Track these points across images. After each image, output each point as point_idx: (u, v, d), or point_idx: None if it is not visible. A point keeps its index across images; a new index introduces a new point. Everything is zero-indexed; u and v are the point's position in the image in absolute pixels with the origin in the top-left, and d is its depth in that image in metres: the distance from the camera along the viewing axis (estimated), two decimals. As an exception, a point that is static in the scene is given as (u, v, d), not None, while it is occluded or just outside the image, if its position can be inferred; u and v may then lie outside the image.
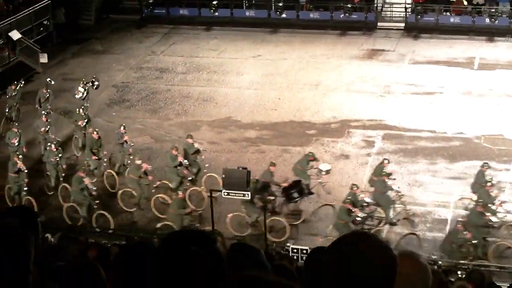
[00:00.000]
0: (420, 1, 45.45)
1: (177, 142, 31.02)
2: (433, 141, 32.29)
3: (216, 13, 47.38)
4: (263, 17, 46.78)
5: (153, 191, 28.35)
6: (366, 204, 25.73)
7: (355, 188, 25.74)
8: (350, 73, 39.24)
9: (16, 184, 28.30)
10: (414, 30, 44.64)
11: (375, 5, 46.31)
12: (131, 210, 28.31)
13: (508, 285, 18.32)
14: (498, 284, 17.88)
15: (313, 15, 46.50)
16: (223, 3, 47.39)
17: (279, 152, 31.93)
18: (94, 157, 30.01)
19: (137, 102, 37.38)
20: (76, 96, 33.56)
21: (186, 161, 28.80)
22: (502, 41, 42.57)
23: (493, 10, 44.17)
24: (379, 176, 26.91)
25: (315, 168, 28.32)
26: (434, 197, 28.08)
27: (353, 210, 25.13)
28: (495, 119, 33.70)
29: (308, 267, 5.99)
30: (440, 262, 24.23)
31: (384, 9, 46.78)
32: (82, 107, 32.48)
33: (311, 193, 28.14)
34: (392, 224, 26.42)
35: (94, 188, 27.69)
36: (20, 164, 28.32)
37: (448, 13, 45.12)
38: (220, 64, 41.27)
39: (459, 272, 21.88)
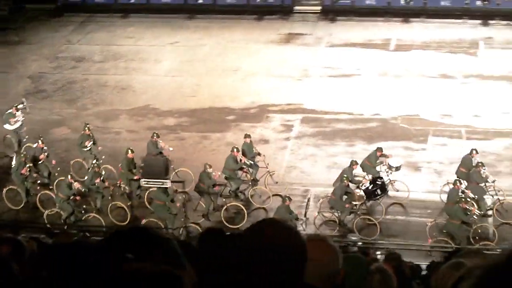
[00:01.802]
0: (336, -16, 45.76)
1: (96, 132, 30.68)
2: (351, 123, 32.61)
3: (132, 0, 46.93)
4: (180, 3, 46.49)
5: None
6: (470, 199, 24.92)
7: (458, 184, 25.20)
8: (268, 58, 39.30)
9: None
10: (330, 13, 44.92)
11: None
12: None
13: (428, 263, 18.69)
14: (417, 263, 18.24)
15: (230, 0, 46.39)
16: (140, -11, 46.94)
17: (199, 139, 31.88)
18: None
19: (54, 93, 36.84)
20: (13, 126, 30.98)
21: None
22: (417, 22, 43.13)
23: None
24: (472, 167, 26.39)
25: (384, 165, 27.56)
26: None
27: (470, 208, 24.39)
28: (412, 100, 34.21)
29: (203, 248, 5.98)
30: (359, 243, 24.61)
31: (300, -8, 46.91)
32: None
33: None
34: (486, 216, 26.01)
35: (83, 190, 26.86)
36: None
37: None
38: (138, 51, 40.92)
39: (378, 253, 22.14)
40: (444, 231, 24.71)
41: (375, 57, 38.71)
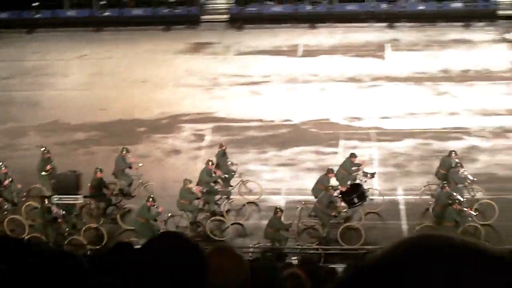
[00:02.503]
0: (243, -8, 45.96)
1: (4, 150, 30.00)
2: (261, 130, 32.69)
3: (38, 15, 46.20)
4: (85, 16, 46.00)
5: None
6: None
7: (447, 187, 24.82)
8: (177, 68, 39.18)
9: None
10: (238, 21, 45.08)
11: (198, -2, 46.47)
12: None
13: (345, 265, 18.81)
14: (333, 266, 18.30)
15: (137, 11, 46.11)
16: (45, 4, 46.24)
17: (110, 152, 31.39)
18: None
19: (-41, 111, 35.94)
20: None
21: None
22: (324, 27, 43.63)
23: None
24: (450, 168, 26.26)
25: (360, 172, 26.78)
26: (265, 185, 28.33)
27: (464, 209, 24.05)
28: (321, 104, 34.52)
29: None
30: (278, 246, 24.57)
31: (207, 1, 46.94)
32: None
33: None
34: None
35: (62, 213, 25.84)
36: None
37: (270, 3, 45.82)
38: (45, 66, 40.28)
39: (293, 258, 22.15)
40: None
41: (283, 64, 38.96)
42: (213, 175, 26.58)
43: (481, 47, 40.09)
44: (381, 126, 32.59)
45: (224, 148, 27.95)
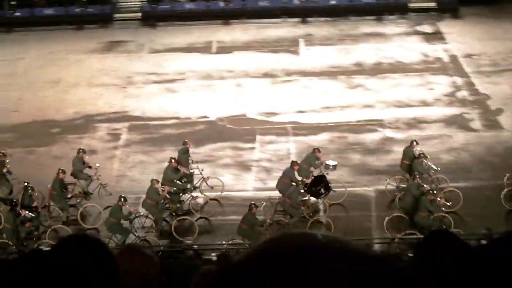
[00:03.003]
0: (156, -10, 45.66)
1: None
2: (178, 128, 32.52)
3: None
4: (-6, 16, 45.10)
5: None
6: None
7: (418, 178, 24.95)
8: (90, 67, 38.70)
9: None
10: (151, 19, 44.79)
11: (110, -4, 45.97)
12: None
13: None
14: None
15: (48, 11, 45.35)
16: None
17: (24, 154, 30.92)
18: None
19: None
20: None
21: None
22: (238, 24, 43.67)
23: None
24: (414, 159, 26.39)
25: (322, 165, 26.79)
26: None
27: (437, 199, 24.26)
28: (237, 100, 34.55)
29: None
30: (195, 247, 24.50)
31: (119, 0, 46.46)
32: None
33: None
34: None
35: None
36: None
37: (184, 0, 45.63)
38: (-47, 69, 39.31)
39: (213, 254, 22.10)
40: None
41: (198, 61, 38.85)
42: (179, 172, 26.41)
43: (394, 40, 40.67)
44: (297, 120, 32.76)
45: (188, 145, 27.72)
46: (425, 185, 24.91)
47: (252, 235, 23.59)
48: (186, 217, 26.06)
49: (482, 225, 23.26)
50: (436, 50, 39.03)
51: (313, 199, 25.89)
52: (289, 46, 40.28)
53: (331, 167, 26.70)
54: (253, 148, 30.72)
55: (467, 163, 29.23)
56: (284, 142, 31.03)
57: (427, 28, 41.86)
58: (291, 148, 30.14)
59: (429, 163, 26.33)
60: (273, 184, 26.78)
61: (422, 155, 26.34)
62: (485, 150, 30.00)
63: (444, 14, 43.53)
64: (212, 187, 27.32)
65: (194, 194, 26.74)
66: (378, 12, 43.77)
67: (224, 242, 24.19)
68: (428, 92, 34.73)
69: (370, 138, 30.99)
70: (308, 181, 25.71)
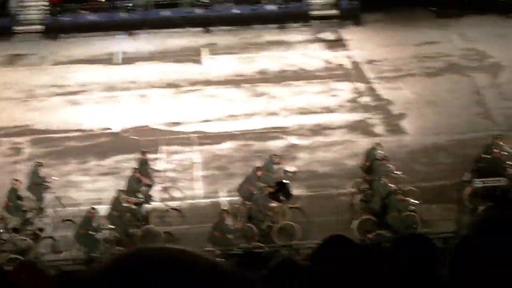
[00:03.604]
0: (57, 2, 44.95)
1: None
2: (81, 140, 32.06)
3: None
4: None
5: None
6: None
7: (385, 179, 25.00)
8: (-10, 81, 37.88)
9: None
10: (53, 31, 44.08)
11: (9, 9, 45.02)
12: None
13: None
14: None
15: None
16: None
17: None
18: None
19: None
20: None
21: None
22: (141, 34, 43.36)
23: (129, 4, 44.89)
24: (375, 161, 26.58)
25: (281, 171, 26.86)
26: (87, 196, 27.84)
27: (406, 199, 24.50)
28: (141, 111, 34.31)
29: None
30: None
31: (19, 12, 45.58)
32: None
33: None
34: None
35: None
36: None
37: (85, 11, 45.09)
38: None
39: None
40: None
41: (101, 72, 38.45)
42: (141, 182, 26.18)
43: (297, 48, 40.99)
44: (202, 129, 32.70)
45: (145, 156, 27.43)
46: (391, 185, 25.19)
47: (224, 243, 23.59)
48: (151, 226, 25.82)
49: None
50: (338, 57, 39.49)
51: (279, 204, 25.89)
52: (193, 55, 40.20)
53: (290, 173, 26.96)
54: (158, 159, 30.48)
55: (371, 168, 29.60)
56: (189, 151, 30.92)
57: (329, 36, 42.34)
58: (197, 157, 30.04)
59: (390, 166, 26.60)
60: (178, 194, 26.97)
61: (384, 157, 26.75)
62: (388, 155, 30.36)
63: (345, 21, 44.09)
64: (171, 197, 27.27)
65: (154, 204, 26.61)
66: (280, 20, 44.06)
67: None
68: (331, 99, 35.11)
69: (275, 145, 31.12)
70: (271, 190, 25.72)
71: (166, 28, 43.38)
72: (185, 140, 31.88)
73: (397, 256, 5.12)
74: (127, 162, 29.59)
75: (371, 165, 26.93)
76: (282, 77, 37.47)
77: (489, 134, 29.55)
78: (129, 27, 43.81)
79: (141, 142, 31.65)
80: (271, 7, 44.87)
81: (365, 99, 35.07)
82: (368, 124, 32.90)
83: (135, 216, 25.57)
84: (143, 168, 26.97)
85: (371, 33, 42.46)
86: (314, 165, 29.86)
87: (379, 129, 32.53)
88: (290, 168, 27.55)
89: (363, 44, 40.84)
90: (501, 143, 27.37)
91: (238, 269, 2.18)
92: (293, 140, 31.72)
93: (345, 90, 35.91)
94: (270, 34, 42.72)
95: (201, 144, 31.58)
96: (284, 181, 26.33)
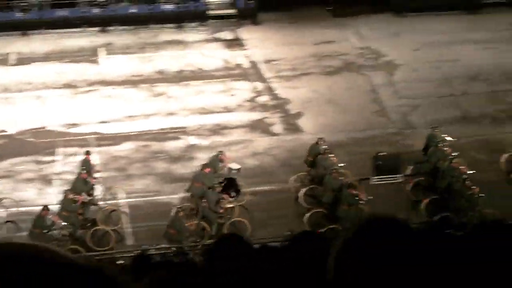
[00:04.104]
0: None
1: None
2: (-24, 143, 31.32)
3: None
4: None
5: None
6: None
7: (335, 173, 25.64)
8: None
9: None
10: None
11: None
12: None
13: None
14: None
15: None
16: None
17: None
18: None
19: None
20: None
21: None
22: (36, 34, 42.41)
23: (24, 4, 43.89)
24: (318, 155, 27.03)
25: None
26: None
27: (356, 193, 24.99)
28: (37, 113, 33.64)
29: None
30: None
31: None
32: None
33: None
34: None
35: None
36: None
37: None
38: None
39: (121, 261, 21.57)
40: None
41: (-6, 74, 37.53)
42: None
43: (194, 47, 40.84)
44: (100, 131, 32.31)
45: (87, 156, 27.18)
46: (341, 178, 26.05)
47: (179, 240, 23.97)
48: (102, 226, 25.76)
49: (286, 227, 23.69)
50: (236, 57, 39.54)
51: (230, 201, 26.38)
52: (90, 55, 39.61)
53: (234, 170, 27.28)
54: (53, 161, 29.97)
55: (270, 166, 29.82)
56: (87, 153, 30.46)
57: (227, 35, 42.32)
58: (95, 159, 29.62)
59: (333, 160, 27.03)
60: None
61: (327, 151, 27.31)
62: (288, 154, 30.69)
63: (243, 20, 44.14)
64: (114, 197, 27.14)
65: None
66: (178, 20, 43.80)
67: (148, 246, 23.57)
68: (230, 98, 35.15)
69: (174, 146, 31.01)
70: (218, 189, 25.99)
71: (63, 28, 42.57)
72: (82, 141, 31.40)
73: (288, 254, 5.13)
74: (24, 165, 29.02)
75: (314, 159, 27.47)
76: (180, 77, 37.31)
77: (385, 131, 30.17)
78: (24, 27, 42.79)
79: (37, 144, 31.12)
80: (169, 7, 44.56)
81: (264, 99, 35.24)
82: (266, 123, 33.08)
83: (84, 216, 25.48)
84: (89, 168, 26.91)
85: (269, 32, 42.64)
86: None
87: (277, 128, 32.75)
88: (234, 165, 27.79)
89: (261, 44, 40.99)
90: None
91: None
92: (192, 140, 31.65)
93: (243, 89, 36.00)
94: (167, 34, 42.43)
95: (99, 145, 31.18)
96: (232, 177, 26.86)
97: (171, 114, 33.75)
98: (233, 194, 26.45)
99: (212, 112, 33.89)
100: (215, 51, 40.35)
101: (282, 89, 35.98)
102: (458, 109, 33.92)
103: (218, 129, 32.52)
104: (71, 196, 24.99)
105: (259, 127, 32.73)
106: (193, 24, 43.73)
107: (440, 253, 2.93)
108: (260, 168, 29.31)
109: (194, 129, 32.50)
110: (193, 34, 42.64)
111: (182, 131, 32.25)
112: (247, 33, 42.56)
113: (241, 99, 35.09)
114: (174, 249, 23.23)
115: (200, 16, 44.23)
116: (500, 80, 36.36)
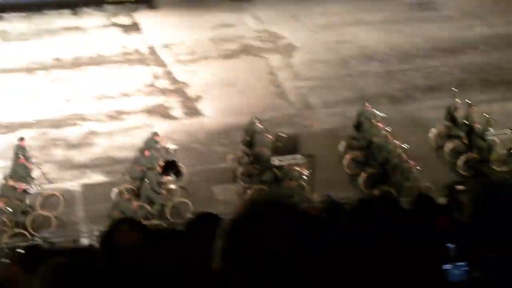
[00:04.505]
0: None
1: None
2: None
3: None
4: None
5: None
6: None
7: None
8: None
9: None
10: None
11: None
12: None
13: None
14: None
15: None
16: None
17: None
18: None
19: None
20: None
21: None
22: None
23: None
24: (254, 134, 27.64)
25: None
26: None
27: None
28: None
29: None
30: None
31: None
32: None
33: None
34: None
35: None
36: None
37: None
38: None
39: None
40: None
41: None
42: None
43: (91, 33, 40.16)
44: (-7, 118, 31.63)
45: (21, 142, 26.92)
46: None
47: None
48: (43, 212, 25.70)
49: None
50: (134, 41, 39.10)
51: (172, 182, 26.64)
52: (-17, 43, 38.62)
53: (171, 150, 27.39)
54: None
55: (171, 151, 29.71)
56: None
57: (124, 20, 41.71)
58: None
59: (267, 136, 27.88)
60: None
61: (264, 130, 27.78)
62: (188, 137, 30.64)
63: (140, 5, 43.62)
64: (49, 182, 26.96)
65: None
66: (73, 5, 42.99)
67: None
68: (128, 84, 34.80)
69: (72, 132, 30.59)
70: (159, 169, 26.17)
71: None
72: (-23, 130, 30.71)
73: (188, 237, 5.11)
74: None
75: (252, 139, 27.86)
76: (77, 63, 36.70)
77: (285, 113, 30.41)
78: None
79: None
80: (64, -8, 43.77)
81: (162, 83, 35.03)
82: (165, 107, 32.93)
83: (24, 201, 25.36)
84: (24, 153, 26.68)
85: (166, 16, 42.25)
86: (113, 150, 29.59)
87: (177, 112, 32.64)
88: (171, 145, 27.88)
89: (158, 28, 40.59)
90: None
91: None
92: (91, 126, 31.31)
93: (142, 74, 35.68)
94: (63, 20, 41.62)
95: (-5, 133, 30.55)
96: (173, 159, 26.98)
97: (68, 100, 33.23)
98: (173, 175, 26.67)
99: (110, 97, 33.52)
100: (112, 36, 39.82)
101: (181, 73, 35.82)
102: (356, 90, 34.41)
103: (117, 115, 32.20)
104: (11, 182, 24.97)
105: (158, 111, 32.55)
106: (89, 9, 43.00)
107: (328, 234, 2.97)
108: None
109: (92, 115, 32.10)
110: (89, 19, 41.86)
111: (80, 118, 31.82)
112: (144, 18, 42.10)
113: (139, 84, 34.78)
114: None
115: (95, 1, 43.55)
116: (396, 60, 37.05)
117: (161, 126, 31.07)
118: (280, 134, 28.72)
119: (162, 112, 32.48)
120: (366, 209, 3.21)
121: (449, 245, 7.62)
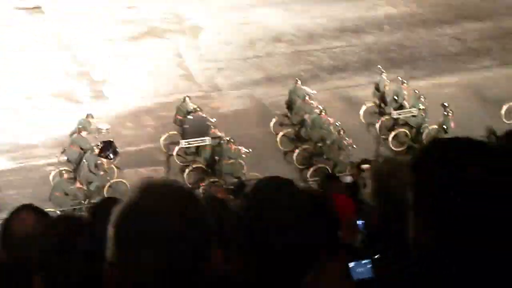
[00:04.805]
0: None
1: None
2: None
3: None
4: None
5: None
6: None
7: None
8: None
9: None
10: None
11: None
12: None
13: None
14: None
15: None
16: None
17: None
18: None
19: None
20: None
21: None
22: None
23: None
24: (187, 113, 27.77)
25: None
26: None
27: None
28: None
29: None
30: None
31: None
32: None
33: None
34: None
35: None
36: None
37: None
38: None
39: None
40: None
41: None
42: None
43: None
44: None
45: None
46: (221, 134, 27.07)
47: (65, 203, 23.90)
48: None
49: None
50: (38, 24, 38.15)
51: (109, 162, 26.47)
52: None
53: (103, 130, 27.33)
54: None
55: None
56: None
57: (27, 3, 40.71)
58: None
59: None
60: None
61: (198, 109, 27.85)
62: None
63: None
64: None
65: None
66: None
67: None
68: (33, 68, 34.03)
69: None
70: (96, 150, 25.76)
71: None
72: None
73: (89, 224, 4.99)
74: None
75: (184, 117, 27.86)
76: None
77: (192, 95, 30.23)
78: None
79: None
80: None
81: (67, 66, 34.39)
82: (70, 91, 32.35)
83: None
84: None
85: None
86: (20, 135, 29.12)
87: (82, 95, 32.12)
88: (104, 125, 27.83)
89: (62, 11, 39.47)
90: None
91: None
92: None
93: (47, 58, 34.93)
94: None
95: None
96: (109, 139, 26.72)
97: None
98: (111, 155, 26.41)
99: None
100: (15, 19, 38.83)
101: (85, 56, 35.23)
102: (263, 71, 34.50)
103: (22, 100, 31.51)
104: None
105: (62, 95, 31.97)
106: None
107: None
108: (66, 136, 28.68)
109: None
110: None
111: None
112: (48, 0, 41.22)
113: (44, 68, 34.05)
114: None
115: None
116: (302, 41, 37.25)
117: (67, 110, 30.51)
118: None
119: (66, 96, 31.92)
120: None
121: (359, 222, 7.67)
